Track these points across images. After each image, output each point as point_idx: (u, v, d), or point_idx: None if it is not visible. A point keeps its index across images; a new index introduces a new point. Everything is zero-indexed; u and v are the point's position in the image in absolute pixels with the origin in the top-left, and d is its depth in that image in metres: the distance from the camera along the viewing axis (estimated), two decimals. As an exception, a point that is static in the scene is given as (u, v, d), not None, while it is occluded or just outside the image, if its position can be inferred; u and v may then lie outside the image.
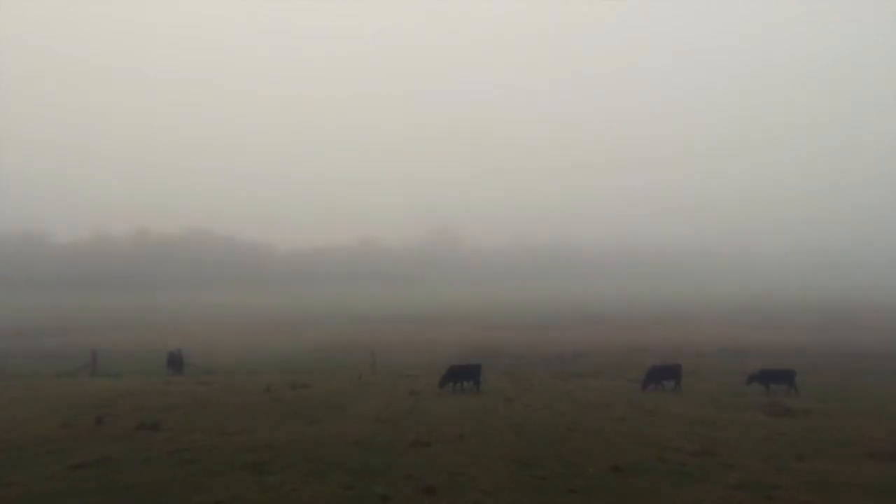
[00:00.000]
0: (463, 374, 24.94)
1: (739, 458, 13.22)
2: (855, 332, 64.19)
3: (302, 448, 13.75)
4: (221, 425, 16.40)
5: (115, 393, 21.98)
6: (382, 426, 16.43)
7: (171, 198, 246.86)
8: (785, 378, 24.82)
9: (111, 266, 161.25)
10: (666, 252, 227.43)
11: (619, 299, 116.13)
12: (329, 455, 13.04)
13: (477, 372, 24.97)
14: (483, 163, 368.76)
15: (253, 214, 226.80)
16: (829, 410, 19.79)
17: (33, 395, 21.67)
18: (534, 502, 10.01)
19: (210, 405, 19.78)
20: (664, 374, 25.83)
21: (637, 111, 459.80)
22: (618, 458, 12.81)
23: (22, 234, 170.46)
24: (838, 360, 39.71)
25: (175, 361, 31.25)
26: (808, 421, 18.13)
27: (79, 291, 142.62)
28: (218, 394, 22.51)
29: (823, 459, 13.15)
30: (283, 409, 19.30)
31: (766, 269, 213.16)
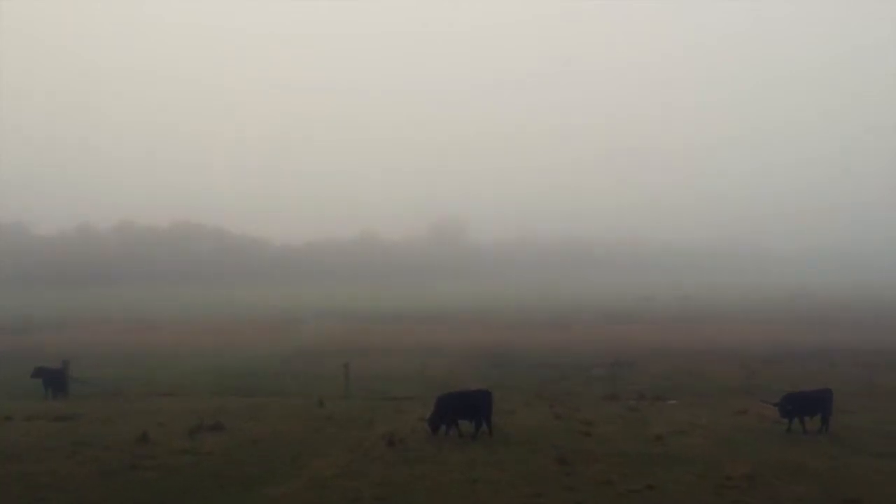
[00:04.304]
0: (463, 409, 15.05)
1: None
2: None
3: None
4: None
5: None
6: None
7: (161, 190, 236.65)
8: None
9: (93, 260, 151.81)
10: (673, 247, 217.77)
11: (638, 296, 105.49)
12: None
13: (486, 403, 15.01)
14: (486, 155, 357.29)
15: (246, 207, 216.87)
16: None
17: None
18: None
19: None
20: (807, 404, 15.93)
21: (643, 104, 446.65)
22: None
23: (2, 225, 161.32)
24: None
25: (54, 379, 21.48)
26: None
27: (58, 286, 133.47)
28: (34, 452, 12.68)
29: None
30: (120, 496, 9.48)
31: (780, 264, 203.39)
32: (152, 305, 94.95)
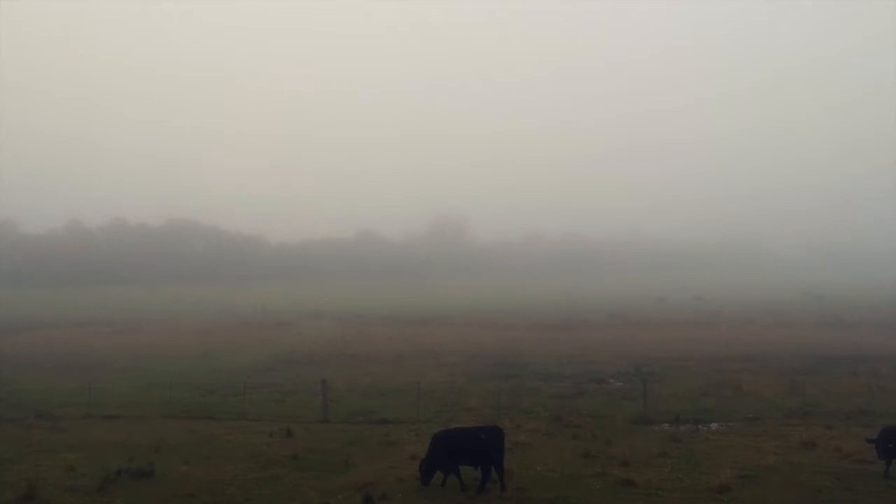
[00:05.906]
0: (466, 451, 11.28)
1: None
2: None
3: None
4: None
5: None
6: None
7: (155, 187, 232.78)
8: None
9: (84, 258, 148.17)
10: (675, 245, 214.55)
11: (649, 297, 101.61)
12: None
13: (496, 444, 11.19)
14: (487, 154, 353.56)
15: (242, 205, 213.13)
16: None
17: None
18: None
19: None
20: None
21: (645, 103, 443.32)
22: None
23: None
24: None
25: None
26: None
27: (47, 285, 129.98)
28: None
29: None
30: None
31: (781, 263, 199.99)
32: (141, 306, 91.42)
